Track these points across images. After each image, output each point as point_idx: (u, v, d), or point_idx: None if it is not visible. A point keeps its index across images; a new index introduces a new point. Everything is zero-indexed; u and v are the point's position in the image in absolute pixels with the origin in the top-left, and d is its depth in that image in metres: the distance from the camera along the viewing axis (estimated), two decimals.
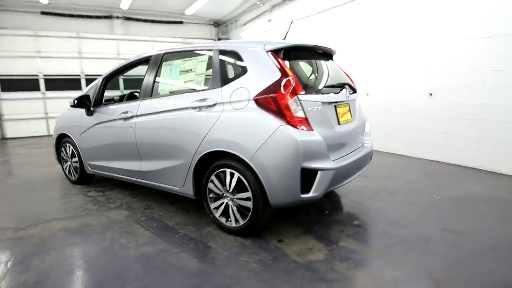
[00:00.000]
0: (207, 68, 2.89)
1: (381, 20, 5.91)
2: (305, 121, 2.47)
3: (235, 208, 2.69)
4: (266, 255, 2.42)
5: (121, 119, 3.42)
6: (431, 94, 5.11)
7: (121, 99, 4.14)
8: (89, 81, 9.38)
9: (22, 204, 3.64)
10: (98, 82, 3.92)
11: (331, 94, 2.80)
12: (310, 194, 2.45)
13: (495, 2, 4.24)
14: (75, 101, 3.75)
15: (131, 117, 3.30)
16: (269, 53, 2.59)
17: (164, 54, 3.26)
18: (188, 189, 2.96)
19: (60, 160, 4.54)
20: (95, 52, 9.62)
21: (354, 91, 3.27)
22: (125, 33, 10.19)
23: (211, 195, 2.84)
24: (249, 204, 2.58)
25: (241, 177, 2.57)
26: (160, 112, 3.06)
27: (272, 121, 2.41)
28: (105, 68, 9.82)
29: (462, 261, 2.28)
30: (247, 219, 2.62)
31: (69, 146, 4.25)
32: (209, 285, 2.06)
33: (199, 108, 2.77)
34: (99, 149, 3.78)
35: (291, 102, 2.42)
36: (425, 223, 2.91)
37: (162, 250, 2.53)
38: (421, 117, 5.29)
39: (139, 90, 3.38)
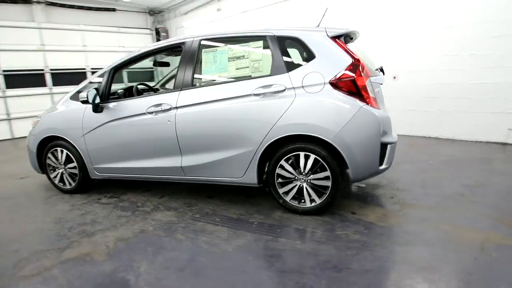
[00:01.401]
0: (263, 54, 2.87)
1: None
2: (375, 100, 2.70)
3: (310, 189, 2.79)
4: (356, 226, 2.61)
5: (151, 113, 3.11)
6: (394, 77, 5.89)
7: (127, 93, 3.72)
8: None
9: (30, 223, 3.02)
10: (104, 74, 3.44)
11: (378, 76, 3.09)
12: (384, 166, 2.72)
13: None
14: (89, 96, 3.23)
15: (168, 109, 3.04)
16: (332, 39, 2.73)
17: (201, 40, 3.08)
18: (250, 178, 2.92)
19: (45, 168, 3.84)
20: (13, 44, 8.05)
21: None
22: (48, 20, 8.75)
23: (279, 180, 2.87)
24: (328, 182, 2.72)
25: (318, 158, 2.68)
26: (210, 102, 2.91)
27: (353, 102, 2.58)
28: (26, 62, 8.43)
29: (502, 203, 2.86)
30: (325, 197, 2.76)
31: (62, 151, 3.63)
32: (340, 259, 2.16)
33: (263, 94, 2.75)
34: (115, 150, 3.35)
35: (368, 83, 2.63)
36: (445, 182, 3.48)
37: (255, 240, 2.49)
38: (387, 97, 6.04)
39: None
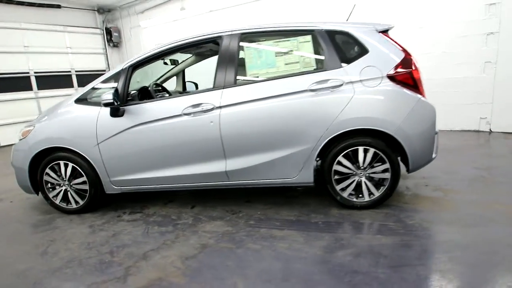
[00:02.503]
0: (314, 49, 2.78)
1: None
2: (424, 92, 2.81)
3: (368, 183, 2.78)
4: (421, 215, 2.68)
5: (188, 114, 2.80)
6: None
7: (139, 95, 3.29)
8: None
9: (52, 253, 2.47)
10: (120, 73, 2.99)
11: None
12: (434, 154, 2.84)
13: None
14: (115, 98, 2.76)
15: (211, 109, 2.76)
16: (380, 33, 2.77)
17: (242, 34, 2.86)
18: (305, 177, 2.81)
19: (42, 187, 3.20)
20: None
21: None
22: None
23: (336, 177, 2.81)
24: (387, 175, 2.74)
25: (378, 151, 2.69)
26: (261, 99, 2.72)
27: (411, 94, 2.64)
28: None
29: None
30: (384, 189, 2.77)
31: (67, 164, 3.07)
32: (437, 245, 2.18)
33: (320, 90, 2.67)
34: (141, 158, 2.94)
35: (421, 76, 2.71)
36: (458, 168, 3.78)
37: (335, 239, 2.39)
38: None
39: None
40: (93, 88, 3.14)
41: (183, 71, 4.43)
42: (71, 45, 9.08)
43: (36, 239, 2.77)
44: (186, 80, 4.56)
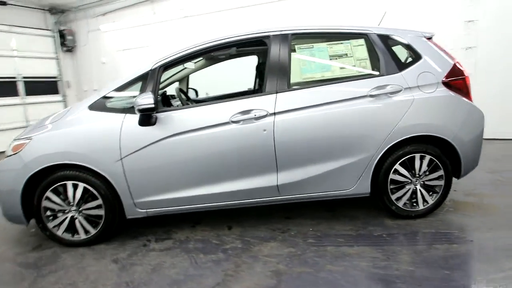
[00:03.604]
0: (369, 53, 2.63)
1: None
2: None
3: (424, 191, 2.68)
4: (475, 219, 2.65)
5: (237, 121, 2.44)
6: None
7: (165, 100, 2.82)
8: None
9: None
10: (148, 75, 2.51)
11: None
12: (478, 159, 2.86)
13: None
14: (154, 102, 2.27)
15: (263, 116, 2.44)
16: (428, 40, 2.74)
17: (292, 35, 2.60)
18: (362, 188, 2.61)
19: (39, 215, 2.52)
20: None
21: None
22: None
23: (391, 186, 2.66)
24: (441, 182, 2.67)
25: (433, 157, 2.62)
26: (319, 105, 2.48)
27: (465, 101, 2.62)
28: None
29: None
30: (438, 197, 2.70)
31: (76, 185, 2.47)
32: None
33: (379, 95, 2.52)
34: (178, 174, 2.48)
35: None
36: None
37: (414, 252, 2.22)
38: None
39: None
40: (115, 90, 2.59)
41: (187, 77, 3.99)
42: (18, 48, 7.84)
43: (48, 285, 2.12)
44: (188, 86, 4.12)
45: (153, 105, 2.28)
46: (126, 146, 2.43)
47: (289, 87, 2.52)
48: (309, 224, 2.75)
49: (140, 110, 2.30)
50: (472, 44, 5.40)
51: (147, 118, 2.41)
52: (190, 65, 3.50)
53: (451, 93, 2.59)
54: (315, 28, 2.67)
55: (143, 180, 2.49)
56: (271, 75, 2.53)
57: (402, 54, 2.68)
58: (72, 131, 2.48)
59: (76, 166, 2.46)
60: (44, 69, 8.67)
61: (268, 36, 2.60)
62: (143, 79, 2.54)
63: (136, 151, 2.43)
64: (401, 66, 2.62)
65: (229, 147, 2.47)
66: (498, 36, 5.25)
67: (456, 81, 2.61)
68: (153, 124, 2.43)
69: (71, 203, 2.52)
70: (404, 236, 2.47)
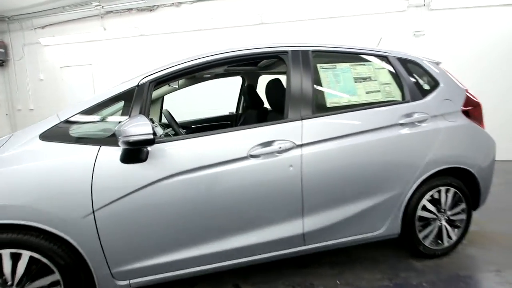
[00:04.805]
0: (392, 77, 2.19)
1: None
2: None
3: (449, 226, 2.28)
4: (501, 255, 2.31)
5: (256, 156, 1.76)
6: None
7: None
8: None
9: None
10: (138, 90, 1.70)
11: None
12: None
13: None
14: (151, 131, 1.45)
15: (289, 148, 1.80)
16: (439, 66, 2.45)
17: (313, 52, 2.04)
18: (393, 229, 2.13)
19: None
20: None
21: None
22: None
23: (418, 223, 2.20)
24: (463, 216, 2.31)
25: (457, 190, 2.25)
26: (347, 136, 1.94)
27: (481, 129, 2.34)
28: None
29: None
30: (460, 232, 2.33)
31: (18, 256, 1.50)
32: None
33: (407, 124, 2.08)
34: (179, 228, 1.70)
35: None
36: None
37: None
38: None
39: None
40: (84, 113, 1.70)
41: (162, 98, 3.16)
42: None
43: None
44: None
45: (151, 136, 1.48)
46: (101, 194, 1.57)
47: (315, 112, 1.94)
48: (331, 275, 2.14)
49: (132, 143, 1.48)
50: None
51: (135, 152, 1.58)
52: (174, 83, 2.71)
53: (470, 121, 2.28)
54: (336, 46, 2.17)
55: (126, 241, 1.64)
56: (293, 98, 1.92)
57: (425, 80, 2.31)
58: (13, 172, 1.53)
59: (19, 226, 1.50)
60: None
61: (286, 52, 2.01)
62: (127, 98, 1.73)
63: (117, 199, 1.59)
64: (423, 92, 2.24)
65: (245, 189, 1.77)
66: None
67: (474, 109, 2.32)
68: (143, 160, 1.61)
69: (8, 283, 1.52)
70: (445, 283, 2.00)
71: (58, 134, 1.63)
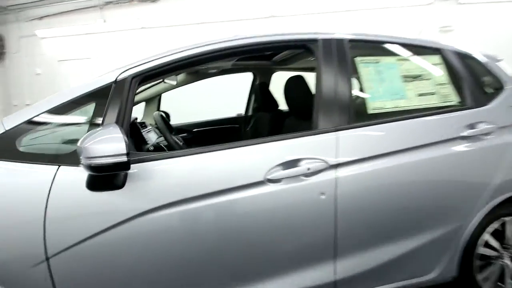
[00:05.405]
0: (449, 76, 1.69)
1: None
2: None
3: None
4: None
5: (276, 181, 1.27)
6: None
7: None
8: None
9: None
10: (116, 87, 1.22)
11: None
12: None
13: None
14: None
15: (320, 170, 1.32)
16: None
17: (350, 41, 1.54)
18: (447, 271, 1.62)
19: None
20: None
21: None
22: None
23: (477, 263, 1.71)
24: None
25: None
26: (399, 152, 1.44)
27: None
28: None
29: None
30: None
31: None
32: None
33: (471, 137, 1.59)
34: (167, 276, 1.21)
35: None
36: None
37: None
38: None
39: None
40: (30, 123, 1.22)
41: (159, 96, 2.69)
42: None
43: None
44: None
45: (124, 158, 1.01)
46: (58, 234, 1.10)
47: (354, 121, 1.45)
48: None
49: (96, 169, 1.00)
50: None
51: (107, 176, 1.11)
52: (171, 79, 2.23)
53: None
54: (378, 35, 1.66)
55: None
56: (325, 101, 1.43)
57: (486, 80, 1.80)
58: None
59: None
60: None
61: (315, 40, 1.50)
62: (99, 99, 1.24)
63: (80, 242, 1.11)
64: (487, 96, 1.74)
65: (260, 226, 1.29)
66: None
67: None
68: (120, 187, 1.14)
69: None
70: None
71: (0, 148, 1.16)
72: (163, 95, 2.71)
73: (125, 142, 1.01)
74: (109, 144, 0.99)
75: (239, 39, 1.46)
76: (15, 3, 6.52)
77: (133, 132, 1.86)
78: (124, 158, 1.00)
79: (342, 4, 5.14)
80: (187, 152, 1.26)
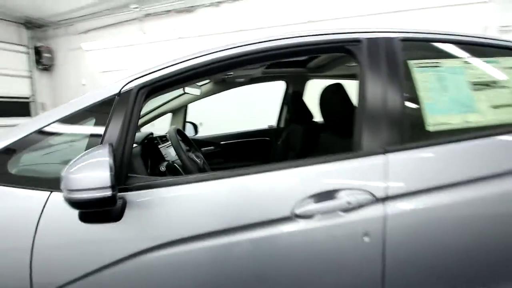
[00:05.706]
0: None
1: None
2: None
3: None
4: None
5: (307, 216, 1.01)
6: None
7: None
8: None
9: None
10: (119, 101, 1.06)
11: None
12: None
13: None
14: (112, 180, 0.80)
15: (363, 205, 1.03)
16: None
17: (402, 40, 1.25)
18: None
19: None
20: None
21: None
22: None
23: None
24: None
25: None
26: (465, 183, 1.09)
27: None
28: None
29: None
30: None
31: None
32: None
33: None
34: None
35: None
36: None
37: None
38: None
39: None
40: (24, 141, 1.09)
41: (185, 107, 2.55)
42: None
43: None
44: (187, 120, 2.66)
45: (109, 193, 0.82)
46: (47, 271, 0.93)
47: (408, 140, 1.14)
48: None
49: (77, 204, 0.83)
50: None
51: (105, 208, 0.93)
52: (194, 89, 2.06)
53: None
54: (437, 32, 1.34)
55: None
56: (370, 115, 1.14)
57: None
58: None
59: None
60: (15, 88, 6.95)
61: (357, 40, 1.22)
62: (100, 112, 1.08)
63: (73, 282, 0.93)
64: None
65: (285, 273, 1.02)
66: None
67: None
68: (116, 219, 0.95)
69: None
70: None
71: None
72: (189, 105, 2.57)
73: (111, 170, 0.82)
74: (92, 172, 0.81)
75: (264, 41, 1.23)
76: (64, 18, 6.99)
77: (151, 149, 1.71)
78: (108, 193, 0.81)
79: (389, 5, 4.72)
80: (195, 179, 1.04)
